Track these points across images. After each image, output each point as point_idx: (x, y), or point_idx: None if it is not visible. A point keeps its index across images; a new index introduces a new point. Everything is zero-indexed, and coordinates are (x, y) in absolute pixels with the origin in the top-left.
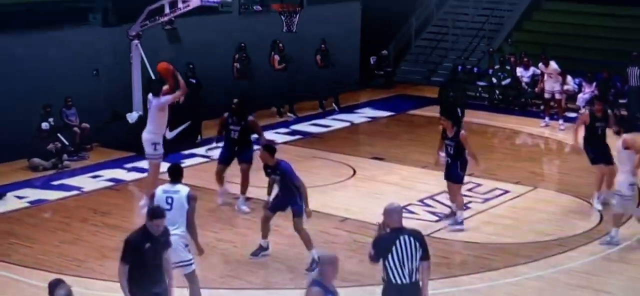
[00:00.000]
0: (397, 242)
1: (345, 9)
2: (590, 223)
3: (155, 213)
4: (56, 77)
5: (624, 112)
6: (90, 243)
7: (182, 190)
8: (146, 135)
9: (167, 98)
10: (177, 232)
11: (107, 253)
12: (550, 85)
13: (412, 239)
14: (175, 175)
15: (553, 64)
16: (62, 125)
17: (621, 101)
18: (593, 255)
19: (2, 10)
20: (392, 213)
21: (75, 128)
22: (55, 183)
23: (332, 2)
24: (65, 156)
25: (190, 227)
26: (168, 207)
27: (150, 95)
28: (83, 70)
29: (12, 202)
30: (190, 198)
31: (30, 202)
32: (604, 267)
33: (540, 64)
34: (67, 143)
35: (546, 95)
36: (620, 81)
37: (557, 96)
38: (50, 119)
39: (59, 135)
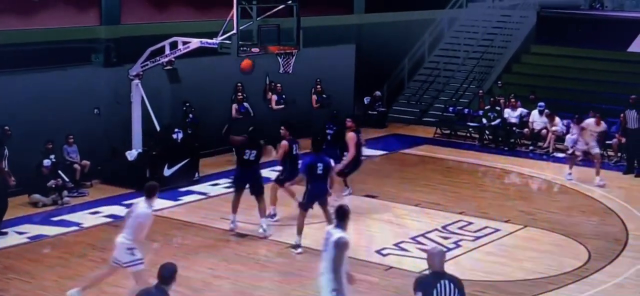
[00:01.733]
0: (438, 286)
1: (340, 51)
2: (579, 261)
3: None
4: (58, 114)
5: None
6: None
7: (335, 234)
8: (121, 240)
9: (149, 214)
10: (325, 277)
11: (104, 288)
12: (587, 140)
13: (452, 285)
14: (341, 217)
15: (603, 124)
16: (63, 162)
17: (608, 142)
18: (582, 293)
19: (6, 49)
20: (435, 256)
21: (76, 165)
22: (55, 219)
23: (327, 45)
24: (65, 192)
25: (334, 273)
26: (326, 248)
27: (138, 201)
28: (84, 109)
29: (11, 238)
30: (335, 245)
31: (29, 238)
32: None
33: (590, 120)
34: (67, 180)
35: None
36: (607, 123)
37: (595, 151)
38: (52, 156)
39: (59, 172)
